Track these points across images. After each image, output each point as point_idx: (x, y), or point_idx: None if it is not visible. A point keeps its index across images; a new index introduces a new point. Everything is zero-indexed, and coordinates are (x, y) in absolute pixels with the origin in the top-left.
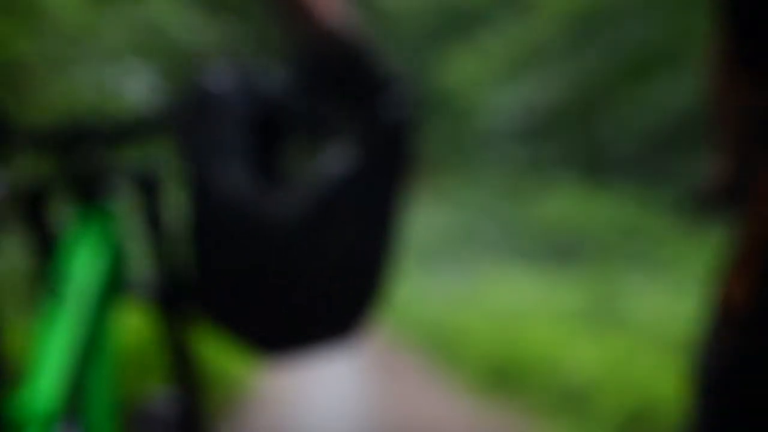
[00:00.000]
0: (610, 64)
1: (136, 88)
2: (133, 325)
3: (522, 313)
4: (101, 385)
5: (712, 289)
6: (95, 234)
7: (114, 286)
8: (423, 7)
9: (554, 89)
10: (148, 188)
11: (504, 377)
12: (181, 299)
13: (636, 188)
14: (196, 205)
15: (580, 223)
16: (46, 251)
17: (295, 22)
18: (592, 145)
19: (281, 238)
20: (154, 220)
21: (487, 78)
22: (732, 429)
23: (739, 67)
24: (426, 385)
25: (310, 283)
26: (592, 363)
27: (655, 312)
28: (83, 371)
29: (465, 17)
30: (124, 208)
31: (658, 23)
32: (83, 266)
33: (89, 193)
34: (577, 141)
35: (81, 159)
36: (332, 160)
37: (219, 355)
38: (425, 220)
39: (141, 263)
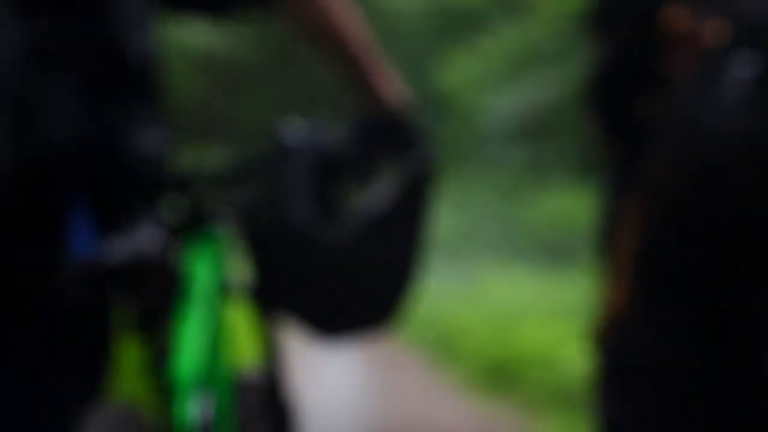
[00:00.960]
0: None
1: None
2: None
3: (520, 311)
4: (221, 362)
5: (601, 297)
6: (210, 252)
7: (224, 289)
8: (422, 9)
9: (552, 90)
10: (247, 219)
11: (502, 374)
12: (268, 298)
13: None
14: (275, 228)
15: (577, 223)
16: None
17: (362, 95)
18: (590, 146)
19: (334, 253)
20: (251, 242)
21: (486, 79)
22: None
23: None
24: (425, 381)
25: (356, 286)
26: (590, 360)
27: None
28: (210, 351)
29: (464, 19)
30: (229, 233)
31: None
32: (203, 274)
33: (205, 222)
34: (575, 142)
35: (199, 198)
36: (375, 197)
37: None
38: None
39: (241, 272)
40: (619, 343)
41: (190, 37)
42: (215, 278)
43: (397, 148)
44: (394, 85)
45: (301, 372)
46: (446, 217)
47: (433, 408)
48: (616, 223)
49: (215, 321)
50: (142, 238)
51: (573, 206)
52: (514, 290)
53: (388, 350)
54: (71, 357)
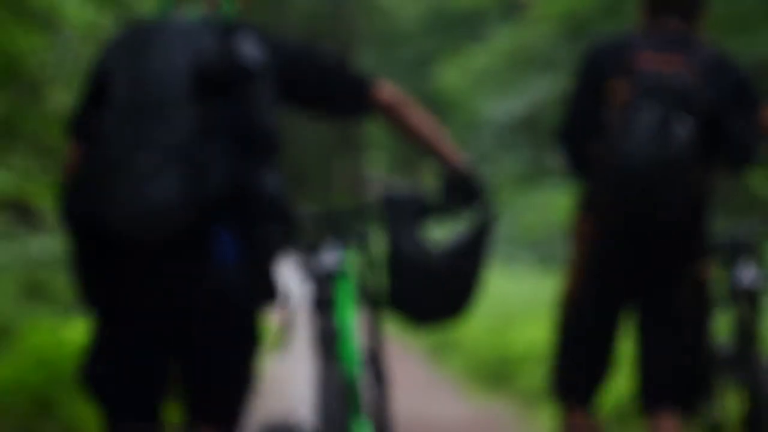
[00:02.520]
0: None
1: None
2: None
3: (516, 309)
4: (352, 342)
5: (563, 285)
6: (347, 269)
7: (355, 294)
8: (421, 13)
9: (549, 92)
10: (365, 246)
11: (498, 369)
12: (380, 301)
13: None
14: (394, 253)
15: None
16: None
17: (441, 164)
18: None
19: (430, 269)
20: (372, 264)
21: (482, 82)
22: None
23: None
24: (425, 375)
25: (445, 290)
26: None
27: None
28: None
29: (461, 23)
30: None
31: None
32: (346, 284)
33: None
34: None
35: (329, 231)
36: (455, 233)
37: None
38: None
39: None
40: (572, 310)
41: None
42: (351, 288)
43: (466, 197)
44: (460, 155)
45: (307, 364)
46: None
47: (432, 400)
48: (575, 232)
49: (345, 316)
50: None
51: (564, 210)
52: (511, 289)
53: (390, 345)
54: (248, 322)
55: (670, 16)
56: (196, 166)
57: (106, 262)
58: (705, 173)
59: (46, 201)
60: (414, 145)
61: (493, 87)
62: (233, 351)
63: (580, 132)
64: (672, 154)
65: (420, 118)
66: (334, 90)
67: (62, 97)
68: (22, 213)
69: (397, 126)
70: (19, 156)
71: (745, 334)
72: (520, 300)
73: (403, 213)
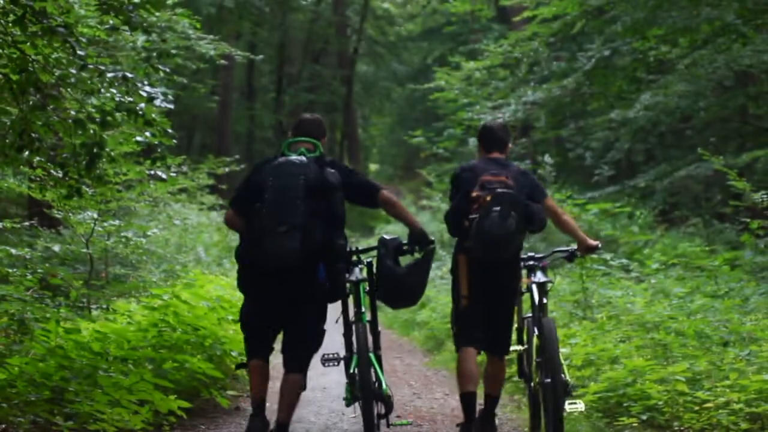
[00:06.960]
0: (585, 88)
1: (154, 106)
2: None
3: None
4: (364, 314)
5: (456, 287)
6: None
7: (366, 291)
8: (418, 29)
9: (537, 100)
10: (370, 267)
11: (482, 364)
12: (376, 294)
13: (608, 199)
14: (382, 271)
15: (550, 233)
16: (357, 286)
17: (405, 222)
18: (566, 159)
19: (403, 279)
20: (372, 276)
21: (472, 93)
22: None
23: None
24: (422, 369)
25: (408, 290)
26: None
27: (618, 302)
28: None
29: (453, 37)
30: (367, 271)
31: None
32: (363, 286)
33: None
34: (554, 156)
35: (353, 258)
36: (416, 261)
37: (233, 358)
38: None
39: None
40: (463, 313)
41: (204, 54)
42: (365, 287)
43: (420, 244)
44: (417, 222)
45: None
46: (431, 226)
47: (427, 387)
48: (458, 265)
49: (364, 301)
50: (356, 273)
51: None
52: None
53: (393, 342)
54: (324, 309)
55: (495, 150)
56: (307, 233)
57: (260, 276)
58: (521, 235)
59: (63, 206)
60: (398, 220)
61: (487, 95)
62: (317, 320)
63: (458, 215)
64: (509, 232)
65: (401, 207)
66: (362, 193)
67: (76, 106)
68: (44, 216)
69: (389, 210)
70: (39, 164)
71: (539, 308)
72: None
73: (388, 248)
